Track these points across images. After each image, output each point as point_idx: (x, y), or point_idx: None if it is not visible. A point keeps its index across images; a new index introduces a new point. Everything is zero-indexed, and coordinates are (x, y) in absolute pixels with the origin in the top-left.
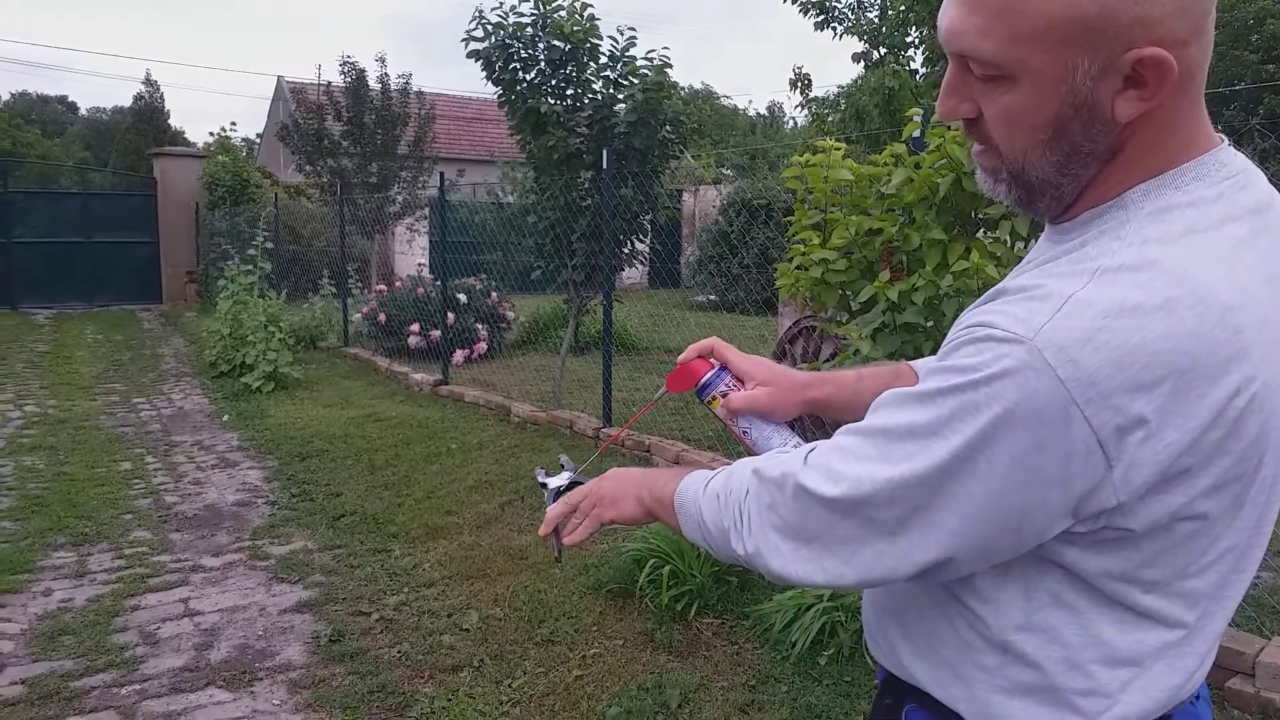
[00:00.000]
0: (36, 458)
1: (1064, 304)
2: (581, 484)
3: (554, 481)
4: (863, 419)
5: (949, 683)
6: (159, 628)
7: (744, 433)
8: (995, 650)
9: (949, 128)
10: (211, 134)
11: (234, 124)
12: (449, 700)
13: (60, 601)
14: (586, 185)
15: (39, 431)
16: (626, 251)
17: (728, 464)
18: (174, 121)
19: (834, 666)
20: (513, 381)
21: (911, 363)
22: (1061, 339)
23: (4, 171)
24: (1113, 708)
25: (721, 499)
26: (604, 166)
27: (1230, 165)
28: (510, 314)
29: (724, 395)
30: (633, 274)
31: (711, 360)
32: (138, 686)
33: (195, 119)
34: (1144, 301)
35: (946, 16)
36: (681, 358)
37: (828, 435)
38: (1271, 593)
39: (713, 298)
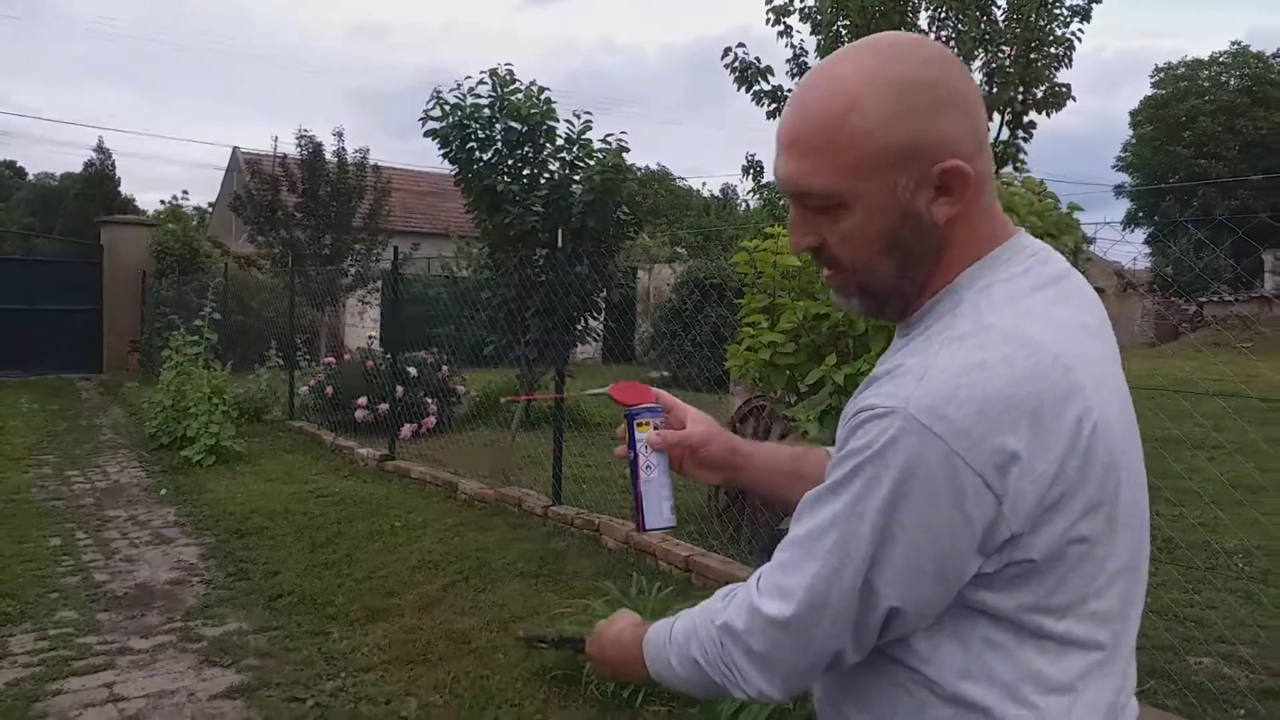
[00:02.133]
0: None
1: (924, 373)
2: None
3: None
4: (777, 491)
5: None
6: (80, 715)
7: (647, 468)
8: (948, 703)
9: None
10: (163, 201)
11: (186, 192)
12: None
13: None
14: (541, 262)
15: None
16: (580, 328)
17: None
18: (125, 189)
19: None
20: (461, 457)
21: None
22: (929, 401)
23: None
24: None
25: (702, 662)
26: (559, 245)
27: (1030, 246)
28: (461, 388)
29: (656, 428)
30: (586, 349)
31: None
32: None
33: (147, 186)
34: (988, 358)
35: (780, 166)
36: (633, 381)
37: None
38: (1212, 679)
39: (666, 374)
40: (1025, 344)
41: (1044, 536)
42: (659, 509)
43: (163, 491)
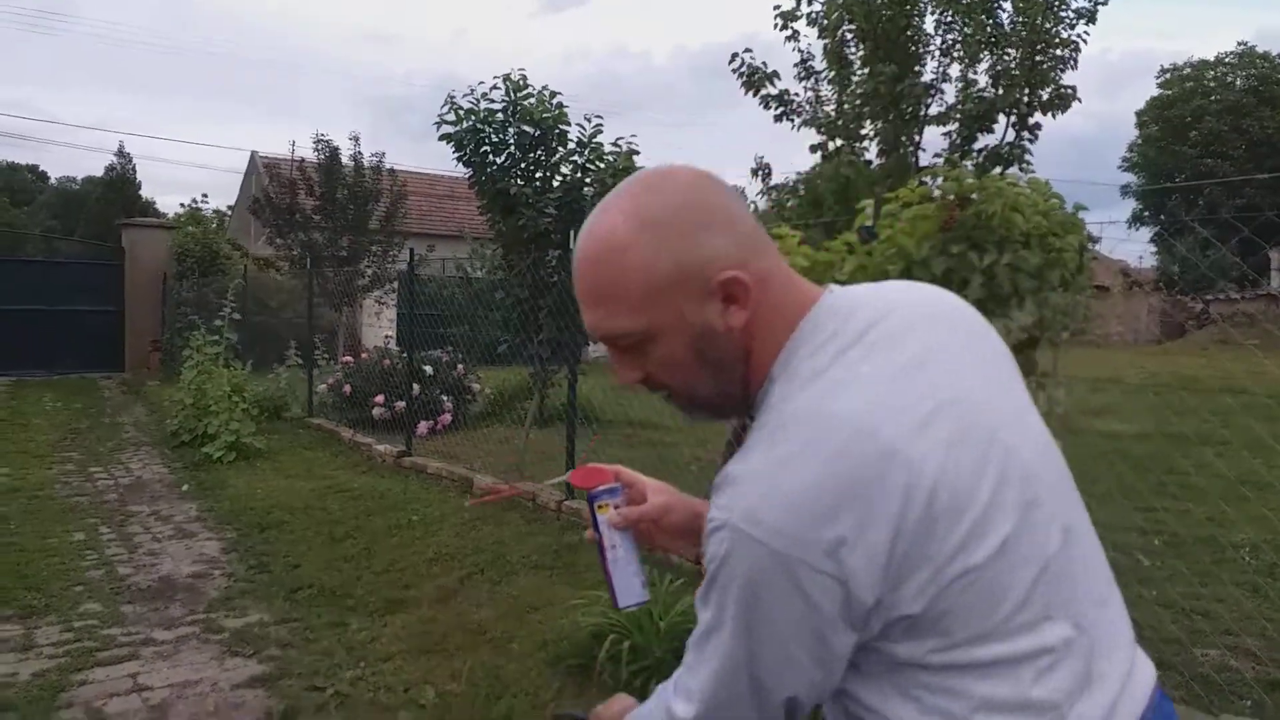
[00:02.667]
0: None
1: (740, 481)
2: None
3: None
4: None
5: None
6: (105, 704)
7: (612, 548)
8: None
9: (898, 219)
10: (182, 205)
11: (205, 196)
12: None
13: (4, 676)
14: (554, 263)
15: None
16: None
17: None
18: (145, 192)
19: None
20: (476, 453)
21: None
22: (747, 507)
23: None
24: None
25: None
26: (571, 246)
27: (835, 304)
28: (476, 386)
29: (616, 507)
30: (598, 348)
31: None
32: None
33: (167, 190)
34: (790, 450)
35: (586, 319)
36: (593, 464)
37: None
38: (1219, 670)
39: None
40: (824, 425)
41: (910, 590)
42: (629, 585)
43: (185, 487)
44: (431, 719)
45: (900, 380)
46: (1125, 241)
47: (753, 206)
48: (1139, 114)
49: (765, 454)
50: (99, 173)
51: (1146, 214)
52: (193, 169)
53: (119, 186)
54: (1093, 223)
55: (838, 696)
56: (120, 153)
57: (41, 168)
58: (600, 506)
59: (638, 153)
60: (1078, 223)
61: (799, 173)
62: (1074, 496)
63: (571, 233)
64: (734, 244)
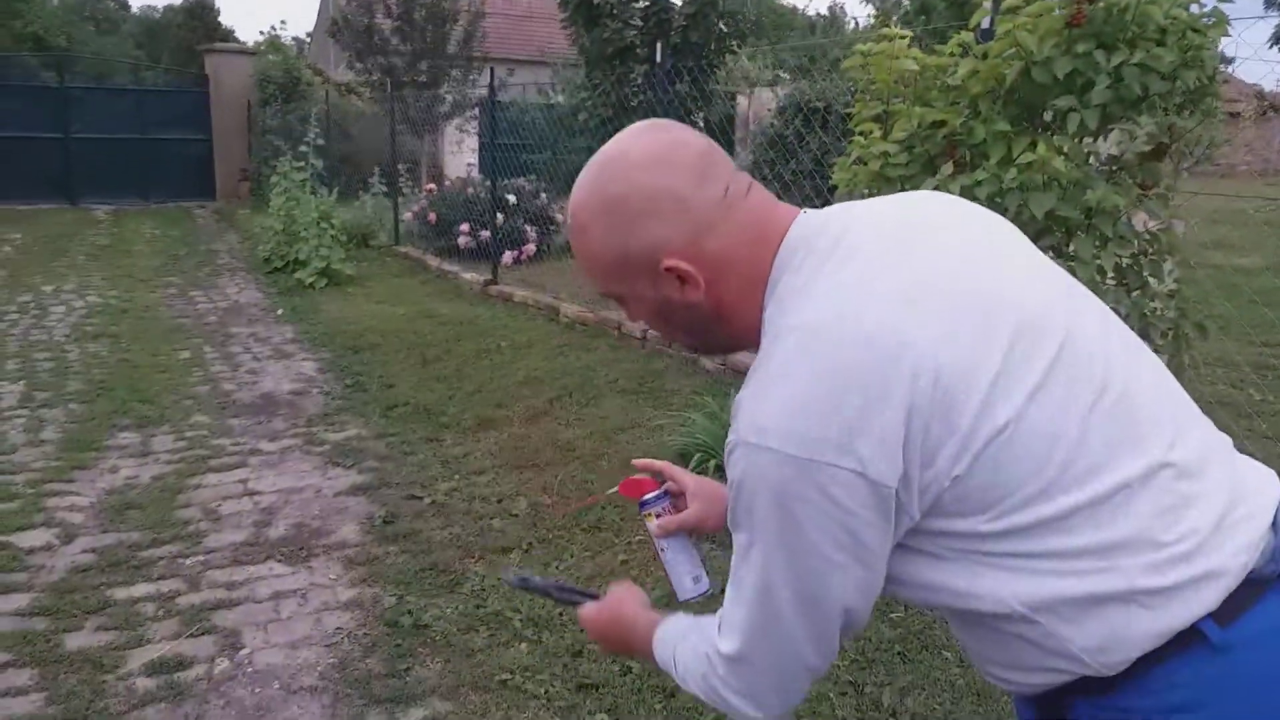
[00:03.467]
0: (100, 345)
1: (742, 403)
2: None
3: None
4: None
5: (1054, 663)
6: (220, 505)
7: (661, 550)
8: (1029, 617)
9: (1018, 15)
10: (261, 33)
11: (284, 22)
12: (499, 579)
13: (127, 478)
14: (639, 81)
15: (101, 320)
16: None
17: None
18: (224, 20)
19: None
20: (561, 283)
21: None
22: (752, 423)
23: (60, 67)
24: (1148, 566)
25: (705, 699)
26: (658, 61)
27: (804, 228)
28: (559, 216)
29: (658, 515)
30: None
31: (660, 480)
32: (202, 558)
33: (245, 18)
34: (785, 360)
35: None
36: (640, 465)
37: None
38: None
39: None
40: (809, 328)
41: (944, 463)
42: (681, 584)
43: (280, 311)
44: (524, 527)
45: (880, 271)
46: (1260, 61)
47: (853, 23)
48: None
49: (760, 373)
50: (179, 1)
51: None
52: None
53: (199, 13)
54: (1238, 19)
55: (928, 594)
56: None
57: None
58: (647, 515)
59: None
60: (1222, 17)
61: None
62: (1124, 334)
63: (659, 45)
64: (680, 229)
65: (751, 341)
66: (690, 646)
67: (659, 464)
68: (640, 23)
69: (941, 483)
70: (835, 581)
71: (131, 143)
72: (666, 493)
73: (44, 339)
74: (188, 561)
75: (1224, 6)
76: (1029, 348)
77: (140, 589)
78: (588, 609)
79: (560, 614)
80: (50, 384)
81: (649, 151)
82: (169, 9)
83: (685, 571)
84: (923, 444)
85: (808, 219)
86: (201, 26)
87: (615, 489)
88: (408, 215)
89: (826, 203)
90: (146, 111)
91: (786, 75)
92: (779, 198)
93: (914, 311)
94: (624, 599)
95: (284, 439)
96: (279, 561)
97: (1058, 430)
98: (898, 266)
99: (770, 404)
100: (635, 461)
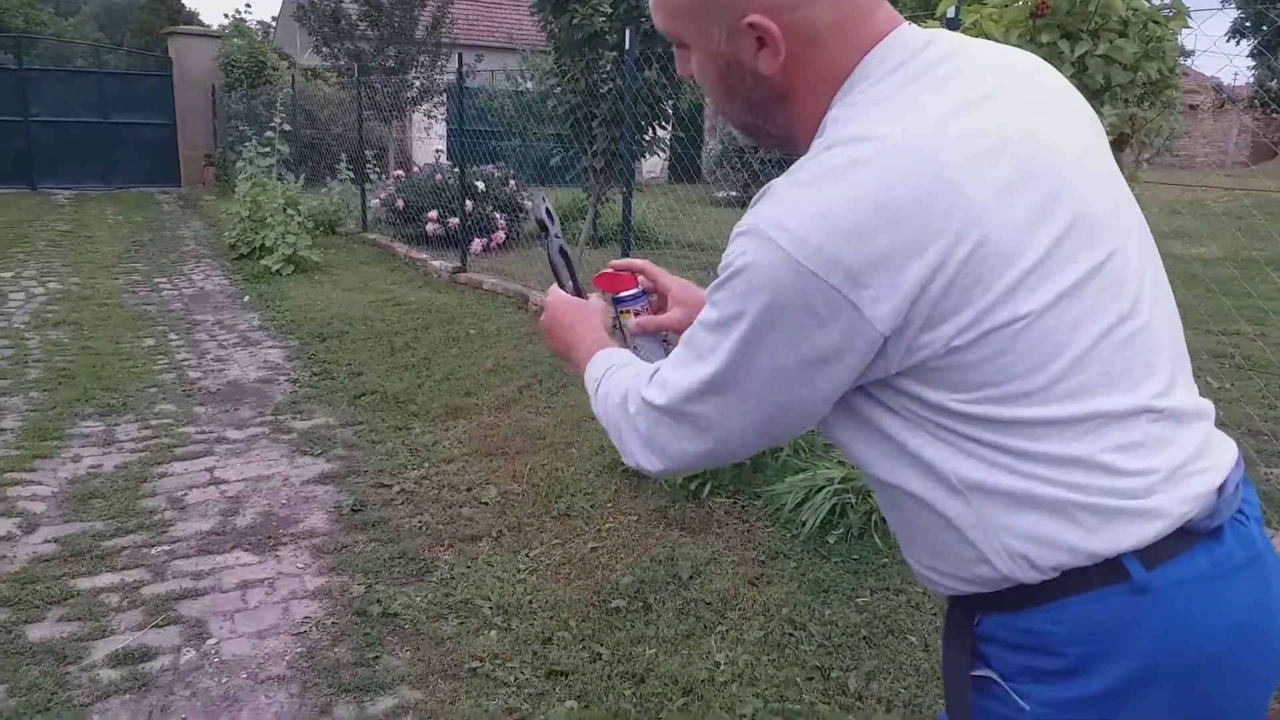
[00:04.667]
0: (61, 332)
1: (777, 191)
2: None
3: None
4: None
5: (971, 557)
6: (186, 494)
7: (635, 349)
8: (958, 494)
9: (984, 5)
10: (226, 16)
11: (249, 5)
12: (468, 567)
13: (89, 467)
14: (609, 67)
15: (63, 307)
16: (648, 138)
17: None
18: (187, 2)
19: (842, 545)
20: (531, 271)
21: None
22: (776, 216)
23: (19, 48)
24: (1094, 488)
25: (606, 424)
26: (627, 47)
27: (905, 38)
28: (528, 203)
29: (636, 314)
30: (652, 167)
31: (640, 280)
32: (167, 547)
33: (209, 0)
34: (834, 164)
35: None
36: (613, 263)
37: None
38: None
39: (733, 194)
40: (873, 143)
41: (947, 331)
42: None
43: (246, 298)
44: (494, 514)
45: (966, 112)
46: (1218, 54)
47: None
48: None
49: (809, 170)
50: None
51: (1248, 24)
52: None
53: None
54: (1198, 11)
55: (872, 445)
56: None
57: None
58: (623, 312)
59: None
60: (1182, 9)
61: None
62: (1157, 269)
63: (628, 32)
64: None
65: (802, 142)
66: (621, 378)
67: (639, 263)
68: (609, 9)
69: (935, 349)
70: (778, 391)
71: (93, 126)
72: (644, 292)
73: (3, 326)
74: (152, 551)
75: None
76: (1075, 247)
77: (104, 579)
78: (556, 292)
79: (530, 601)
80: (10, 371)
81: None
82: None
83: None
84: (935, 305)
85: (909, 32)
86: (165, 9)
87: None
88: (375, 202)
89: None
90: (108, 95)
91: None
92: (746, 186)
93: (981, 170)
94: (593, 309)
95: (251, 427)
96: (246, 550)
97: (1067, 341)
98: (981, 117)
99: (801, 206)
100: (612, 262)
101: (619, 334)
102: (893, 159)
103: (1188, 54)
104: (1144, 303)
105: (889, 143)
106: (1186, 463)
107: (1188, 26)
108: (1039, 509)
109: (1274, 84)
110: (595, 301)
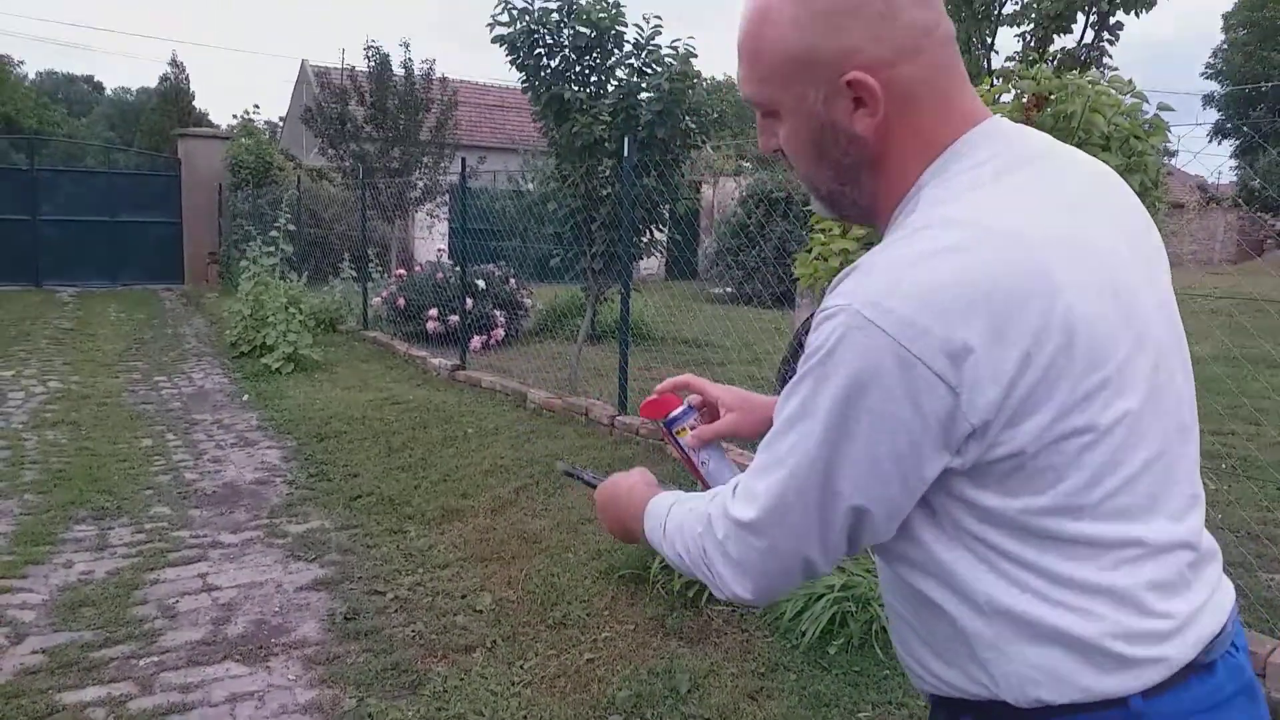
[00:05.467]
0: (59, 432)
1: (872, 269)
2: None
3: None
4: None
5: (976, 673)
6: (177, 601)
7: (702, 464)
8: (985, 615)
9: None
10: (235, 116)
11: (257, 106)
12: (461, 680)
13: (81, 574)
14: (608, 173)
15: (62, 407)
16: (646, 241)
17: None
18: (198, 103)
19: (843, 656)
20: (529, 368)
21: None
22: (874, 295)
23: (31, 149)
24: (1121, 630)
25: (686, 560)
26: (626, 155)
27: (1001, 129)
28: (528, 301)
29: (692, 428)
30: (650, 265)
31: (684, 398)
32: (156, 658)
33: (220, 101)
34: (936, 246)
35: (737, 72)
36: (659, 388)
37: None
38: None
39: (729, 290)
40: (977, 228)
41: (1029, 428)
42: None
43: (245, 397)
44: (488, 623)
45: (1063, 214)
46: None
47: None
48: (1226, 16)
49: (906, 248)
50: (153, 83)
51: (1230, 125)
52: (244, 78)
53: (173, 97)
54: (1178, 126)
55: (907, 557)
56: (174, 62)
57: (97, 78)
58: (679, 431)
59: (695, 55)
60: (1161, 124)
61: None
62: (1192, 393)
63: (627, 140)
64: (882, 40)
65: (883, 213)
66: (690, 508)
67: (681, 379)
68: (609, 118)
69: (1010, 448)
70: (866, 486)
71: (100, 225)
72: (692, 407)
73: (1, 426)
74: (141, 663)
75: (1167, 106)
76: (1140, 368)
77: (90, 692)
78: (602, 487)
79: (524, 717)
80: (5, 474)
81: None
82: (143, 91)
83: (729, 480)
84: (1023, 400)
85: (1004, 122)
86: (175, 110)
87: (640, 415)
88: (377, 300)
89: (791, 288)
90: (117, 194)
91: (749, 165)
92: (741, 284)
93: (1077, 272)
94: (634, 474)
95: (245, 531)
96: (236, 661)
97: (1123, 461)
98: (1076, 222)
99: (903, 286)
100: (659, 387)
101: (680, 455)
102: (997, 248)
103: (1172, 154)
104: (1189, 431)
105: (993, 231)
106: (1201, 606)
107: (1168, 141)
108: (1061, 645)
109: (1256, 183)
110: (634, 470)
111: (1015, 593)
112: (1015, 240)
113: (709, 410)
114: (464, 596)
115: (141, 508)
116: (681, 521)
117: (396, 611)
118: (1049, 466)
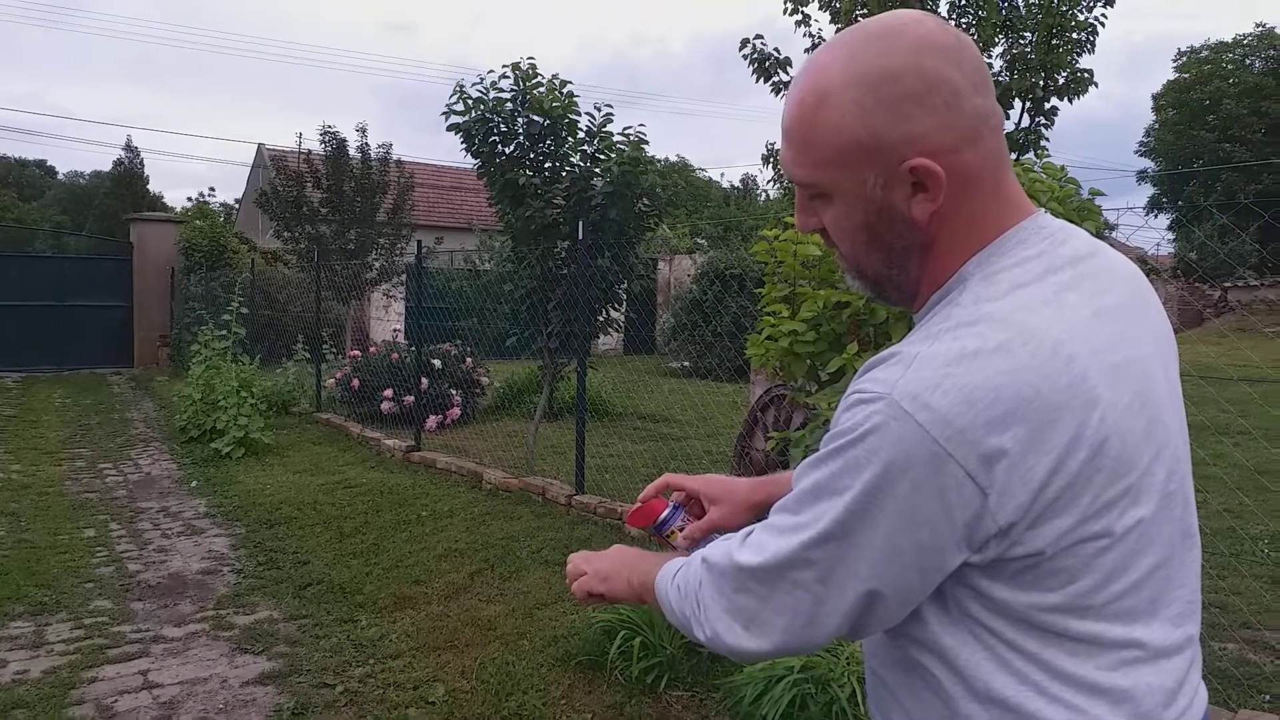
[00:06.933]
0: None
1: (914, 361)
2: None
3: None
4: None
5: None
6: (116, 700)
7: None
8: (979, 701)
9: None
10: (190, 199)
11: (212, 189)
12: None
13: (15, 674)
14: (563, 255)
15: (1, 498)
16: (602, 319)
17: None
18: (153, 186)
19: None
20: (485, 448)
21: None
22: (914, 389)
23: None
24: None
25: (682, 590)
26: (580, 237)
27: (1048, 227)
28: (485, 379)
29: (681, 528)
30: (608, 340)
31: (667, 499)
32: None
33: (174, 183)
34: (981, 347)
35: (780, 154)
36: (642, 495)
37: None
38: (1237, 664)
39: (686, 364)
40: (1022, 332)
41: (1048, 532)
42: None
43: (193, 483)
44: (441, 716)
45: (1103, 322)
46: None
47: (764, 195)
48: (1156, 98)
49: (949, 344)
50: (106, 167)
51: (1164, 200)
52: (199, 162)
53: (127, 181)
54: (1109, 209)
55: (908, 633)
56: (128, 146)
57: (49, 162)
58: (670, 534)
59: (646, 142)
60: (1094, 209)
61: None
62: (1193, 498)
63: (580, 223)
64: (945, 127)
65: (923, 295)
66: (695, 559)
67: (661, 480)
68: (563, 201)
69: (1030, 548)
70: (883, 571)
71: (47, 310)
72: (677, 506)
73: None
74: None
75: (1098, 192)
76: (1158, 476)
77: None
78: (600, 554)
79: None
80: None
81: (936, 39)
82: (95, 175)
83: (740, 531)
84: (1049, 504)
85: (1050, 219)
86: (129, 194)
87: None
88: (331, 381)
89: (746, 364)
90: (66, 278)
91: (704, 242)
92: (699, 358)
93: (1115, 382)
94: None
95: (190, 624)
96: None
97: (1131, 565)
98: (1116, 330)
99: (945, 383)
100: (641, 496)
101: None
102: (1040, 356)
103: (1112, 227)
104: (1192, 538)
105: (1037, 337)
106: (1185, 710)
107: (1105, 226)
108: None
109: (1193, 255)
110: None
111: (1014, 684)
112: (1058, 349)
113: (695, 505)
114: (416, 688)
115: (81, 602)
116: (687, 578)
117: (346, 705)
118: (1064, 568)
